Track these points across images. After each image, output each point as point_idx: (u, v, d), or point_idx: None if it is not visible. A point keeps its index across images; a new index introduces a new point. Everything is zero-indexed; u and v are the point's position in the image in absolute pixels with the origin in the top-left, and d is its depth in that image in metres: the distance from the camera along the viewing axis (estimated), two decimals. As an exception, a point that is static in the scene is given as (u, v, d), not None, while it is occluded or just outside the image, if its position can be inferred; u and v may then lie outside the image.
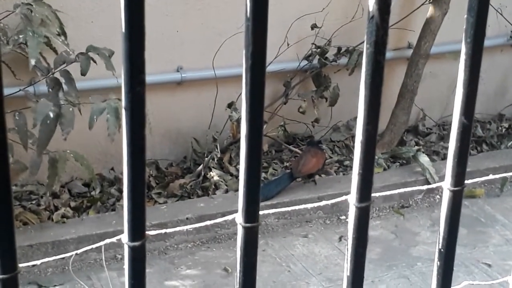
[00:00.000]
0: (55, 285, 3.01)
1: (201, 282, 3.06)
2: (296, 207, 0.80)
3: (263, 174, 3.77)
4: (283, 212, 3.48)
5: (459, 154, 0.81)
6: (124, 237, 0.71)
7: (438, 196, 3.71)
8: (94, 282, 3.02)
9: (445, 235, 0.85)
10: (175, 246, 3.30)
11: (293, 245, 3.34)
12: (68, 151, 3.06)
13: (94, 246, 0.73)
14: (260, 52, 0.69)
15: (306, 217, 3.53)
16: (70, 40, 3.06)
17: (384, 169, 3.80)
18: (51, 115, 2.88)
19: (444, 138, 4.24)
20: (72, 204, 3.46)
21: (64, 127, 2.89)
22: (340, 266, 3.16)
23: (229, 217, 0.76)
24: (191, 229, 3.33)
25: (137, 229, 0.71)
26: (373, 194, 0.79)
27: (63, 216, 3.32)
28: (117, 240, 0.73)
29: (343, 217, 3.54)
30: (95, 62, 3.03)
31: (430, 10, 3.81)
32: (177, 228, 0.76)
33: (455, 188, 0.82)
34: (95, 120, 2.90)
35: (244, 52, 0.69)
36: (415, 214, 3.62)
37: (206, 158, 3.68)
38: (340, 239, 3.38)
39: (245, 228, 0.75)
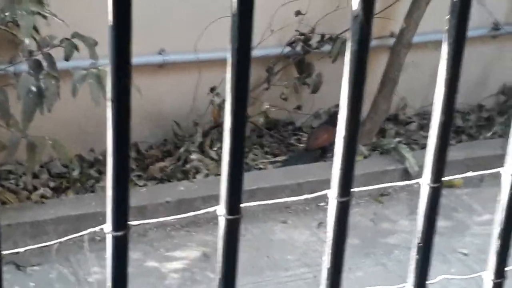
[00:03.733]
0: (33, 265, 3.01)
1: (181, 265, 3.08)
2: (277, 200, 0.82)
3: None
4: (262, 198, 3.49)
5: (438, 151, 0.83)
6: (107, 227, 0.72)
7: (416, 185, 3.74)
8: (72, 263, 3.03)
9: (424, 230, 0.86)
10: (155, 229, 3.31)
11: (272, 230, 3.36)
12: (46, 137, 3.06)
13: (77, 235, 0.74)
14: (246, 39, 0.70)
15: (285, 203, 3.55)
16: (52, 21, 3.04)
17: (365, 157, 3.82)
18: (33, 89, 2.89)
19: (424, 127, 4.28)
20: (51, 184, 3.45)
21: (48, 99, 2.90)
22: (318, 252, 3.19)
23: (211, 209, 0.77)
24: (169, 211, 3.34)
25: (120, 219, 0.72)
26: (353, 189, 0.80)
27: (42, 196, 3.31)
28: (99, 229, 0.74)
29: (322, 203, 3.56)
30: (77, 50, 3.03)
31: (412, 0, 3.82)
32: (161, 219, 0.77)
33: (434, 185, 0.83)
34: (77, 87, 2.90)
35: (230, 37, 0.70)
36: (393, 202, 3.65)
37: (187, 142, 3.69)
38: (318, 225, 3.41)
39: (227, 220, 0.76)
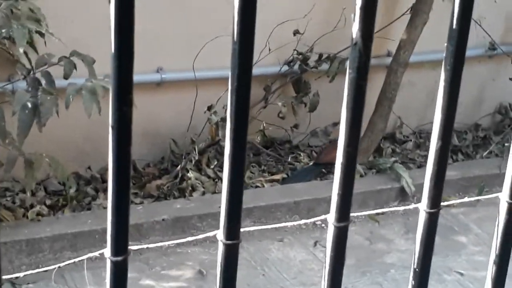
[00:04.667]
0: (28, 283, 3.00)
1: (176, 283, 3.07)
2: (276, 225, 0.82)
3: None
4: (259, 216, 3.50)
5: (435, 177, 0.83)
6: (107, 252, 0.73)
7: (413, 204, 3.75)
8: (67, 281, 3.02)
9: (420, 254, 0.87)
10: (151, 247, 3.30)
11: (268, 249, 3.35)
12: (44, 154, 3.07)
13: (76, 260, 0.74)
14: (247, 57, 0.70)
15: (281, 221, 3.55)
16: (50, 39, 3.05)
17: (361, 176, 3.83)
18: (29, 105, 2.90)
19: (421, 146, 4.29)
20: (48, 202, 3.45)
21: (43, 114, 2.90)
22: (314, 271, 3.18)
23: (210, 234, 0.78)
24: (165, 230, 3.34)
25: (120, 244, 0.73)
26: (352, 214, 0.81)
27: (38, 214, 3.31)
28: (99, 254, 0.74)
29: (319, 222, 3.56)
30: (75, 68, 3.04)
31: (410, 19, 3.85)
32: (158, 244, 0.77)
33: (431, 210, 0.84)
34: (71, 99, 2.91)
35: (231, 55, 0.71)
36: (390, 221, 3.66)
37: (184, 160, 3.69)
38: (315, 244, 3.40)
39: (226, 245, 0.76)
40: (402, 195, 3.76)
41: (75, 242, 3.18)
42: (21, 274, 0.72)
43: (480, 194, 3.80)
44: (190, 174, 3.64)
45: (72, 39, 3.24)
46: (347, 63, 0.75)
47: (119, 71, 0.65)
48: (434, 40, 3.64)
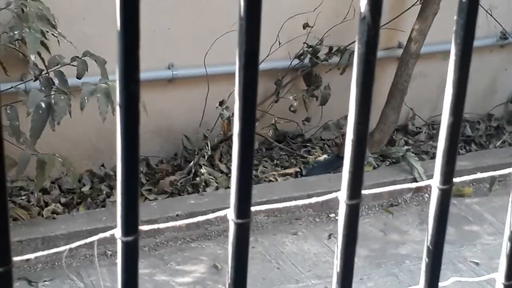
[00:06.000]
0: (45, 281, 3.01)
1: (191, 278, 3.07)
2: (287, 204, 0.82)
3: (253, 172, 3.78)
4: (273, 209, 3.49)
5: (448, 153, 0.83)
6: (117, 232, 0.73)
7: (427, 195, 3.73)
8: (84, 278, 3.03)
9: (434, 232, 0.86)
10: (165, 242, 3.31)
11: (282, 242, 3.35)
12: (56, 155, 3.08)
13: (87, 241, 0.74)
14: (254, 51, 0.70)
15: (295, 214, 3.55)
16: (62, 39, 3.06)
17: (374, 168, 3.82)
18: (43, 105, 2.91)
19: (433, 137, 4.27)
20: (62, 200, 3.46)
21: (57, 113, 2.92)
22: (329, 264, 3.18)
23: (221, 213, 0.77)
24: (181, 226, 3.34)
25: (130, 224, 0.72)
26: (363, 192, 0.80)
27: (53, 212, 3.32)
28: (110, 235, 0.74)
29: (333, 214, 3.55)
30: (86, 69, 3.05)
31: (420, 10, 3.83)
32: (170, 224, 0.77)
33: (444, 186, 0.83)
34: (86, 101, 2.92)
35: (237, 51, 0.70)
36: (404, 213, 3.64)
37: (197, 156, 3.69)
38: (329, 236, 3.40)
39: (236, 224, 0.76)
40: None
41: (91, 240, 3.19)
42: (31, 256, 0.72)
43: (492, 184, 3.78)
44: (203, 170, 3.65)
45: (83, 35, 3.25)
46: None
47: (125, 50, 0.65)
48: (445, 30, 3.61)
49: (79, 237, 3.17)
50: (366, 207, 3.66)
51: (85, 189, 3.55)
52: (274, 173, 3.79)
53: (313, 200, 0.84)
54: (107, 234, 0.73)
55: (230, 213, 0.76)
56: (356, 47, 0.75)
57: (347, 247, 0.82)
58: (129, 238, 0.72)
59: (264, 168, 3.83)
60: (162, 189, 3.60)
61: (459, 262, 3.22)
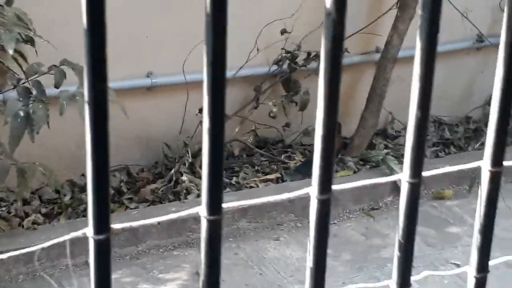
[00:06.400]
0: (26, 292, 3.00)
1: (174, 286, 3.07)
2: (257, 201, 0.82)
3: (234, 179, 3.79)
4: (254, 216, 3.50)
5: (416, 148, 0.84)
6: (89, 231, 0.73)
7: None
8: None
9: (404, 226, 0.87)
10: (147, 251, 3.30)
11: (264, 248, 3.35)
12: (37, 163, 3.07)
13: (60, 239, 0.74)
14: (221, 59, 0.71)
15: (277, 220, 3.55)
16: (40, 45, 3.06)
17: (354, 172, 3.83)
18: (21, 113, 2.90)
19: (413, 141, 4.29)
20: (43, 210, 3.45)
21: (35, 123, 2.91)
22: (311, 268, 3.18)
23: (192, 210, 0.78)
24: (161, 233, 3.33)
25: (102, 222, 0.73)
26: (333, 187, 0.81)
27: (33, 223, 3.31)
28: (82, 234, 0.74)
29: (314, 220, 3.56)
30: (64, 77, 3.05)
31: (397, 14, 3.86)
32: (141, 222, 0.78)
33: (413, 180, 0.84)
34: (64, 105, 2.91)
35: (204, 59, 0.71)
36: (385, 216, 3.66)
37: (178, 163, 3.69)
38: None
39: (209, 221, 0.77)
40: (397, 189, 3.76)
41: (72, 249, 3.18)
42: (4, 256, 0.72)
43: (472, 185, 3.81)
44: (184, 177, 3.65)
45: (60, 47, 3.24)
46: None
47: (92, 47, 0.66)
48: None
49: (60, 248, 3.16)
50: (348, 211, 3.67)
51: (66, 199, 3.54)
52: (255, 179, 3.80)
53: (284, 196, 0.85)
54: (79, 233, 0.73)
55: (201, 210, 0.77)
56: (322, 44, 0.75)
57: (319, 243, 0.83)
58: (101, 237, 0.73)
59: (245, 175, 3.84)
60: (143, 197, 3.59)
61: (441, 264, 3.24)
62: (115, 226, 0.74)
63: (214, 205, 0.76)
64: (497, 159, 0.89)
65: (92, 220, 0.72)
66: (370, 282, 3.10)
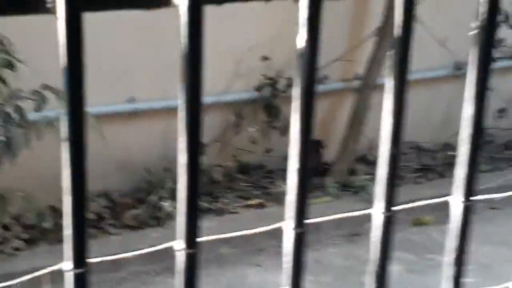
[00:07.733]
0: (5, 319, 2.97)
1: (154, 313, 3.06)
2: (233, 234, 0.83)
3: (214, 204, 3.80)
4: (236, 241, 3.50)
5: (389, 181, 0.85)
6: (66, 265, 0.74)
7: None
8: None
9: (379, 257, 0.88)
10: (128, 277, 3.29)
11: (246, 274, 3.35)
12: (18, 189, 3.06)
13: (36, 274, 0.75)
14: (196, 85, 0.72)
15: (259, 246, 3.55)
16: (21, 69, 3.06)
17: (336, 198, 3.85)
18: (3, 138, 2.90)
19: (394, 166, 4.32)
20: (24, 236, 3.43)
21: (15, 147, 2.90)
22: (292, 294, 3.18)
23: (167, 245, 0.79)
24: (143, 259, 3.32)
25: (79, 256, 0.74)
26: (308, 221, 0.83)
27: (15, 249, 3.29)
28: (58, 268, 0.75)
29: (295, 245, 3.56)
30: (44, 102, 3.05)
31: (376, 42, 3.90)
32: (118, 256, 0.79)
33: (387, 214, 0.86)
34: (43, 130, 2.91)
35: (180, 85, 0.72)
36: (366, 242, 3.66)
37: (159, 189, 3.69)
38: None
39: (186, 254, 0.78)
40: (377, 215, 3.78)
41: (53, 275, 3.16)
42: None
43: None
44: (166, 203, 3.65)
45: (42, 72, 3.24)
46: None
47: (71, 83, 0.67)
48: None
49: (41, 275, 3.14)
50: (330, 236, 3.68)
51: (47, 224, 3.52)
52: (237, 205, 3.80)
53: (262, 229, 0.86)
54: (56, 267, 0.74)
55: (177, 244, 0.78)
56: (294, 82, 0.77)
57: (296, 275, 0.84)
58: (78, 271, 0.74)
59: (227, 200, 3.84)
60: (125, 223, 3.59)
61: (422, 290, 3.26)
62: (92, 260, 0.75)
63: (191, 239, 0.77)
64: (469, 192, 0.91)
65: (69, 254, 0.73)
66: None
